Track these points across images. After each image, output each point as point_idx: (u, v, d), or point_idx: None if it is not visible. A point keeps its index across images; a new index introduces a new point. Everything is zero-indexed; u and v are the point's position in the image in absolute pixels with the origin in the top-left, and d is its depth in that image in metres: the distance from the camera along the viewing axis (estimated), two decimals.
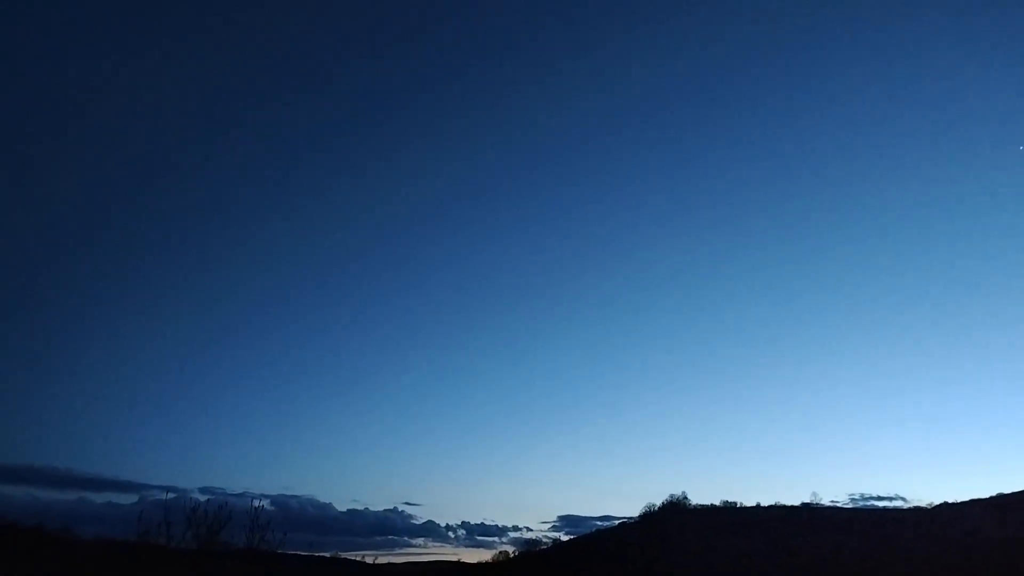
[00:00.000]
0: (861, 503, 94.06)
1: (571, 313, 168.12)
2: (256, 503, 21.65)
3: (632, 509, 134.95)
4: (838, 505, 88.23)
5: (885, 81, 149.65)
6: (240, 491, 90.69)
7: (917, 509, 77.26)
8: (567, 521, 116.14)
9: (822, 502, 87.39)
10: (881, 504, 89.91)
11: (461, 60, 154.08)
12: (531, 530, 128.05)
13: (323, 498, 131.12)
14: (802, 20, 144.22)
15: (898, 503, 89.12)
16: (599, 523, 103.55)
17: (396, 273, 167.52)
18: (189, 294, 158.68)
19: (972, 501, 69.25)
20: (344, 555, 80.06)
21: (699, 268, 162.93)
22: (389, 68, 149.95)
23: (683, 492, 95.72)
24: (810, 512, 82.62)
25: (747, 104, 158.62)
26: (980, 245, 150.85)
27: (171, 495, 21.42)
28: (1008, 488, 67.22)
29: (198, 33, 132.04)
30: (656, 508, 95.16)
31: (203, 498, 21.33)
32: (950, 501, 73.45)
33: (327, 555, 72.97)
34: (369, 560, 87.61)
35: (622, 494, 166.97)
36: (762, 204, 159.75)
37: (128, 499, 78.00)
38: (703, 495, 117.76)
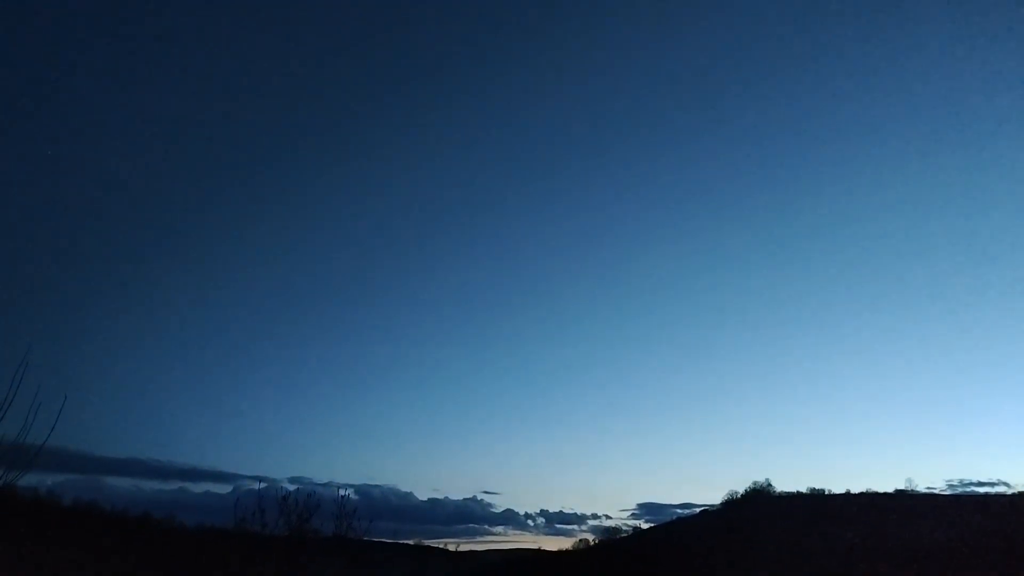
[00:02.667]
0: (960, 489, 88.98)
1: (649, 297, 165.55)
2: (342, 492, 22.58)
3: (713, 497, 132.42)
4: (935, 492, 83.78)
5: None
6: (326, 481, 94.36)
7: (1022, 495, 72.56)
8: (646, 509, 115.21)
9: (918, 488, 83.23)
10: (982, 490, 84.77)
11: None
12: (610, 518, 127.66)
13: (404, 487, 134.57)
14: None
15: (1000, 488, 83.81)
16: (679, 511, 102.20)
17: (468, 263, 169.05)
18: (267, 290, 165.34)
19: None
20: (427, 543, 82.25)
21: (790, 249, 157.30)
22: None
23: (767, 479, 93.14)
24: (905, 499, 78.81)
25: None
26: None
27: (262, 485, 22.60)
28: None
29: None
30: (739, 495, 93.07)
31: (292, 487, 22.38)
32: None
33: (411, 543, 74.99)
34: (452, 548, 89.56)
35: (702, 481, 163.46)
36: (819, 182, 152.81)
37: (223, 489, 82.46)
38: (788, 482, 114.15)
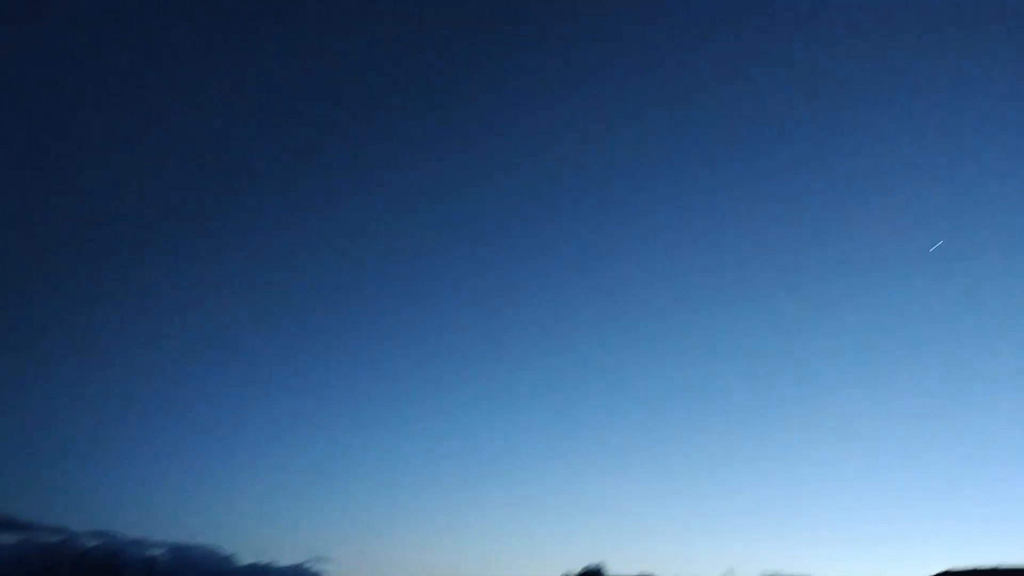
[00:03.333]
0: None
1: (489, 369, 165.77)
2: (152, 552, 20.40)
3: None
4: None
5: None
6: (136, 537, 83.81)
7: None
8: None
9: None
10: None
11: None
12: None
13: (225, 548, 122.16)
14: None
15: None
16: None
17: (296, 301, 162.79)
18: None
19: None
20: None
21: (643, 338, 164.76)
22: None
23: (600, 561, 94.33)
24: None
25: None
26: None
27: (59, 537, 19.97)
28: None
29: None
30: None
31: (93, 543, 19.89)
32: None
33: None
34: None
35: (540, 560, 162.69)
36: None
37: (9, 539, 71.10)
38: (622, 564, 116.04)
